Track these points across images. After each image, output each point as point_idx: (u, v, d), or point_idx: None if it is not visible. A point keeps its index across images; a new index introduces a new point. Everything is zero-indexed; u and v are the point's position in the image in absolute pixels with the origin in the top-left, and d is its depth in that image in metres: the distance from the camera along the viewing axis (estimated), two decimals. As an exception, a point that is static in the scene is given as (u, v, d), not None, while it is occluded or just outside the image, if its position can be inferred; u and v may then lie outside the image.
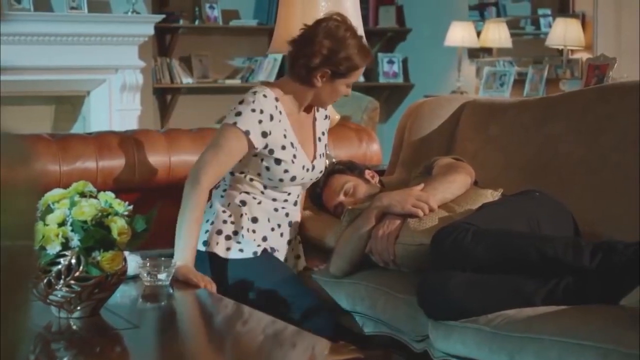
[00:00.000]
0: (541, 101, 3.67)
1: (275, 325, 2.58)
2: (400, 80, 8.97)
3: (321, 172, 3.34)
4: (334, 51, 3.13)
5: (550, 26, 7.59)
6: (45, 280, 2.42)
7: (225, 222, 3.18)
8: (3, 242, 0.91)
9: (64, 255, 2.42)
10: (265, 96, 3.15)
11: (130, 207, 2.53)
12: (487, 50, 8.28)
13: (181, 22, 7.94)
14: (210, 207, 3.23)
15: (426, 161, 3.34)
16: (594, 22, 7.24)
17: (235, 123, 3.10)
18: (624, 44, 6.99)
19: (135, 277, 2.84)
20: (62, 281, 2.42)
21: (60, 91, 7.29)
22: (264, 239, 3.22)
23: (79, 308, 2.47)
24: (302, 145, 3.25)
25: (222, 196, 3.24)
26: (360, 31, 3.32)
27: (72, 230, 2.42)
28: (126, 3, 7.22)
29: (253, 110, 3.12)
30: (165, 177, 3.65)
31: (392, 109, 9.00)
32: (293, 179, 3.21)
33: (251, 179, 3.21)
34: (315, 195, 3.44)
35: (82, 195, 2.51)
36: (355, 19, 3.77)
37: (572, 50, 7.46)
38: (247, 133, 3.09)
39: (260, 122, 3.11)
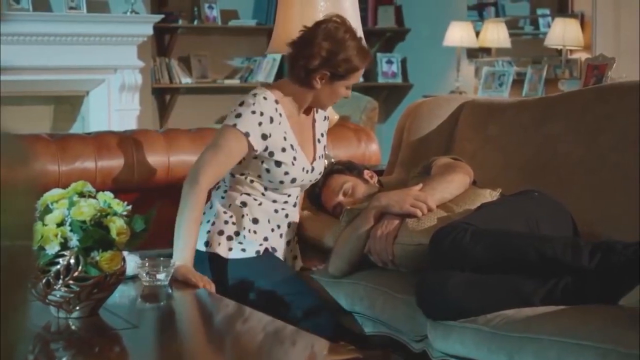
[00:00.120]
0: (540, 101, 3.67)
1: (275, 325, 2.58)
2: (399, 80, 8.97)
3: (320, 173, 3.35)
4: (333, 53, 3.13)
5: (549, 26, 7.59)
6: (44, 281, 2.42)
7: (226, 222, 3.19)
8: (3, 242, 0.91)
9: (63, 256, 2.42)
10: (265, 98, 3.15)
11: (129, 207, 2.53)
12: (486, 50, 8.28)
13: (180, 22, 7.94)
14: (211, 207, 3.24)
15: (425, 161, 3.34)
16: (593, 22, 7.24)
17: (235, 125, 3.10)
18: (622, 44, 6.99)
19: (134, 277, 2.84)
20: (61, 281, 2.42)
21: (59, 91, 7.29)
22: (265, 239, 3.22)
23: (77, 308, 2.47)
24: (302, 147, 3.25)
25: (222, 197, 3.24)
26: (360, 32, 3.32)
27: (71, 230, 2.42)
28: (125, 3, 7.22)
29: (253, 113, 3.12)
30: (164, 177, 3.65)
31: (391, 109, 9.00)
32: (293, 180, 3.21)
33: (252, 181, 3.21)
34: (314, 195, 3.44)
35: (81, 195, 2.51)
36: (354, 19, 3.77)
37: (571, 50, 7.46)
38: (246, 135, 3.09)
39: (260, 124, 3.12)
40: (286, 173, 3.18)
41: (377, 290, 2.98)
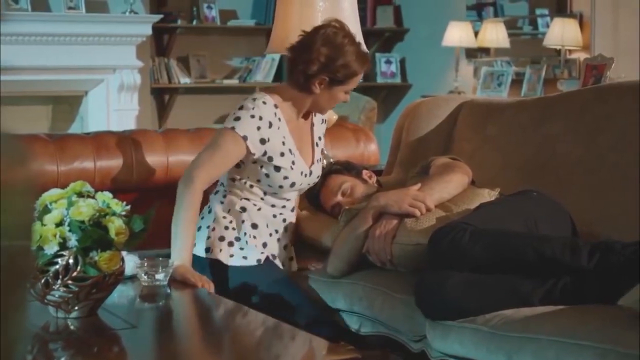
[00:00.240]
0: (539, 101, 3.67)
1: (273, 325, 2.58)
2: (397, 80, 8.97)
3: (318, 177, 3.36)
4: (332, 58, 3.13)
5: (547, 26, 7.59)
6: (42, 281, 2.42)
7: (227, 228, 3.19)
8: (2, 242, 0.91)
9: (62, 255, 2.42)
10: (264, 103, 3.16)
11: (128, 207, 2.53)
12: (485, 50, 8.28)
13: (179, 22, 7.94)
14: (209, 212, 3.24)
15: (423, 161, 3.34)
16: (592, 22, 7.24)
17: (233, 127, 3.10)
18: (621, 44, 7.00)
19: (133, 277, 2.84)
20: (59, 281, 2.42)
21: (58, 91, 7.28)
22: (264, 244, 3.23)
23: (76, 308, 2.47)
24: (300, 151, 3.25)
25: (221, 202, 3.24)
26: (359, 36, 3.33)
27: (69, 230, 2.42)
28: (124, 3, 7.22)
29: (252, 117, 3.12)
30: (163, 177, 3.65)
31: (390, 109, 9.00)
32: (292, 185, 3.22)
33: (251, 186, 3.22)
34: (313, 195, 3.44)
35: (80, 195, 2.51)
36: (353, 19, 3.77)
37: (570, 50, 7.46)
38: (244, 138, 3.10)
39: (258, 128, 3.12)
40: (285, 177, 3.19)
41: (376, 290, 2.98)
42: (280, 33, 3.78)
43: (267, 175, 3.18)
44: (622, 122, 3.18)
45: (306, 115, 3.33)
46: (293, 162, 3.20)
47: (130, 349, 2.45)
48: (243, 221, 3.20)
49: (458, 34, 8.08)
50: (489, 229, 2.69)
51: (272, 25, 3.92)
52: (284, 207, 3.28)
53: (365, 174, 3.47)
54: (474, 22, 8.23)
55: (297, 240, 3.45)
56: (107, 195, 2.53)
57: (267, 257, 3.22)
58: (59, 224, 2.42)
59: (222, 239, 3.18)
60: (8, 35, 6.53)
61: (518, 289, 2.58)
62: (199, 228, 3.18)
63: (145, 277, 2.81)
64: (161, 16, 7.45)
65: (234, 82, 8.30)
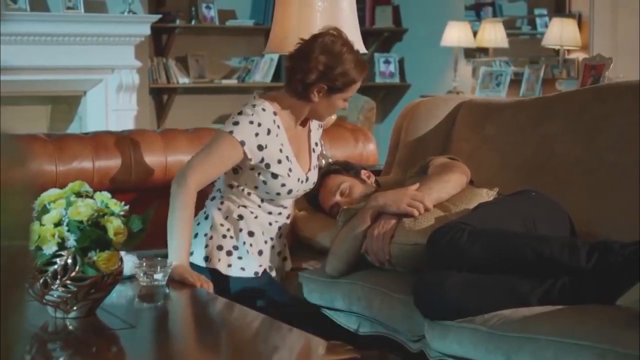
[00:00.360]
0: (537, 101, 3.68)
1: (272, 325, 2.58)
2: (396, 80, 8.97)
3: (314, 183, 3.36)
4: (330, 67, 3.13)
5: (546, 26, 7.59)
6: (41, 281, 2.42)
7: (224, 236, 3.20)
8: (2, 242, 0.91)
9: (60, 256, 2.42)
10: (264, 110, 3.16)
11: (127, 207, 2.53)
12: (484, 50, 8.28)
13: (177, 22, 7.94)
14: (206, 218, 3.24)
15: (422, 161, 3.34)
16: (590, 22, 7.24)
17: (231, 132, 3.10)
18: (620, 44, 7.00)
19: (132, 277, 2.84)
20: (58, 281, 2.42)
21: (57, 91, 7.28)
22: (260, 252, 3.24)
23: (75, 308, 2.47)
24: (298, 157, 3.26)
25: (219, 208, 3.24)
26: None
27: (68, 231, 2.42)
28: (122, 3, 7.22)
29: (251, 123, 3.12)
30: (162, 177, 3.64)
31: (389, 109, 9.00)
32: (290, 192, 3.23)
33: (249, 193, 3.22)
34: (312, 195, 3.44)
35: (79, 195, 2.51)
36: (352, 19, 3.77)
37: (569, 50, 7.47)
38: (242, 143, 3.10)
39: (256, 135, 3.12)
40: (283, 185, 3.19)
41: (375, 290, 2.98)
42: (279, 33, 3.78)
43: (264, 183, 3.18)
44: (621, 122, 3.19)
45: (304, 123, 3.33)
46: (290, 169, 3.21)
47: (128, 349, 2.45)
48: (241, 229, 3.21)
49: (457, 34, 8.08)
50: (487, 229, 2.69)
51: (270, 25, 3.92)
52: (279, 214, 3.29)
53: (364, 174, 3.47)
54: (472, 22, 8.23)
55: (294, 240, 3.45)
56: (105, 195, 2.53)
57: (265, 270, 3.23)
58: (58, 224, 2.42)
59: (220, 247, 3.19)
60: (7, 35, 6.53)
61: (517, 289, 2.58)
62: (196, 235, 3.18)
63: (144, 277, 2.81)
64: (160, 16, 7.45)
65: (232, 82, 8.30)
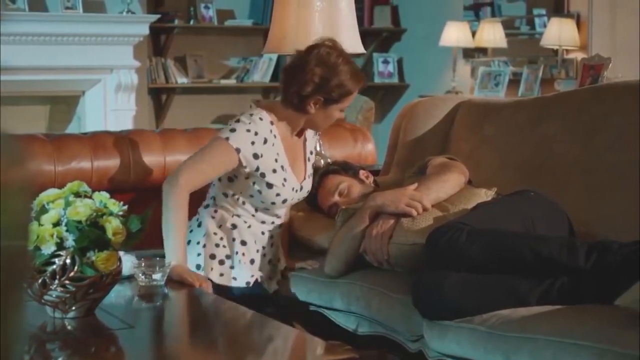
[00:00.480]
0: (536, 101, 3.68)
1: (271, 324, 2.58)
2: (395, 80, 8.97)
3: (308, 191, 3.36)
4: (326, 79, 3.13)
5: (545, 26, 7.60)
6: (40, 281, 2.42)
7: (217, 245, 3.20)
8: (2, 242, 0.91)
9: (59, 256, 2.42)
10: (261, 119, 3.16)
11: (125, 207, 2.53)
12: (482, 50, 8.28)
13: (176, 22, 7.94)
14: (199, 225, 3.23)
15: (420, 161, 3.34)
16: (589, 22, 7.25)
17: (227, 138, 3.10)
18: (618, 44, 7.00)
19: (130, 277, 2.83)
20: (56, 281, 2.41)
21: (55, 91, 7.28)
22: (252, 261, 3.24)
23: (73, 308, 2.47)
24: (293, 167, 3.26)
25: (212, 217, 3.24)
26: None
27: (66, 231, 2.41)
28: (121, 3, 7.22)
29: (248, 131, 3.12)
30: (161, 177, 3.63)
31: (387, 109, 9.00)
32: (284, 201, 3.24)
33: (243, 202, 3.22)
34: (310, 195, 3.44)
35: (77, 195, 2.51)
36: (350, 19, 3.77)
37: (567, 50, 7.47)
38: (237, 150, 3.09)
39: (252, 143, 3.12)
40: (277, 195, 3.19)
41: (373, 290, 2.98)
42: (277, 33, 3.78)
43: (259, 192, 3.18)
44: (620, 122, 3.19)
45: (300, 132, 3.33)
46: (285, 179, 3.21)
47: (127, 349, 2.44)
48: (234, 239, 3.22)
49: (455, 34, 8.08)
50: (486, 229, 2.69)
51: (269, 25, 3.92)
52: (272, 223, 3.30)
53: (362, 174, 3.47)
54: (471, 22, 8.23)
55: (292, 240, 3.46)
56: (104, 195, 2.53)
57: (256, 280, 3.24)
58: (56, 224, 2.42)
59: (213, 256, 3.19)
60: (5, 35, 6.52)
61: (515, 289, 2.58)
62: (189, 242, 3.18)
63: (143, 277, 2.81)
64: (158, 16, 7.45)
65: (231, 82, 8.30)
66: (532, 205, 2.95)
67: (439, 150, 3.69)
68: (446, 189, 3.05)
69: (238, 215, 3.24)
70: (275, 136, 3.18)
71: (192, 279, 2.89)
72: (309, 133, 3.39)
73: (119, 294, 2.75)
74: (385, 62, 8.96)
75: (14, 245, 0.93)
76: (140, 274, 2.81)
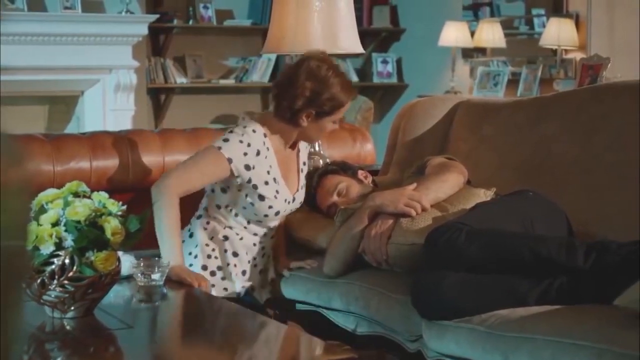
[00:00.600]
0: (535, 101, 3.68)
1: (269, 324, 2.58)
2: (394, 80, 8.97)
3: (301, 202, 3.37)
4: (316, 92, 3.13)
5: (544, 26, 7.60)
6: (38, 281, 2.41)
7: (209, 257, 3.20)
8: (2, 242, 0.91)
9: (58, 256, 2.41)
10: (254, 131, 3.16)
11: (124, 207, 2.53)
12: (481, 50, 8.29)
13: (175, 22, 7.93)
14: (191, 236, 3.23)
15: (419, 161, 3.34)
16: (588, 22, 7.25)
17: (220, 147, 3.10)
18: (617, 44, 7.00)
19: (129, 277, 2.83)
20: (55, 281, 2.41)
21: (54, 91, 7.28)
22: (244, 272, 3.25)
23: (72, 308, 2.47)
24: (286, 179, 3.26)
25: (205, 228, 3.24)
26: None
27: (65, 230, 2.41)
28: (120, 3, 7.22)
29: (240, 142, 3.12)
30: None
31: (386, 109, 9.00)
32: (277, 213, 3.24)
33: (236, 214, 3.22)
34: (309, 196, 3.44)
35: (76, 195, 2.51)
36: (349, 19, 3.77)
37: (566, 50, 7.47)
38: (229, 160, 3.09)
39: (245, 154, 3.11)
40: (270, 207, 3.20)
41: (372, 290, 2.98)
42: (276, 33, 3.78)
43: (252, 204, 3.18)
44: (618, 122, 3.19)
45: (294, 145, 3.33)
46: (277, 191, 3.21)
47: (126, 349, 2.44)
48: (225, 250, 3.22)
49: (454, 34, 8.08)
50: (485, 229, 2.69)
51: (268, 25, 3.92)
52: (265, 235, 3.30)
53: (361, 174, 3.47)
54: (470, 22, 8.23)
55: (291, 240, 3.46)
56: (103, 195, 2.52)
57: (247, 290, 3.24)
58: (55, 224, 2.42)
59: (204, 267, 3.19)
60: (4, 35, 6.53)
61: (514, 289, 2.58)
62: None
63: (142, 277, 2.81)
64: (157, 16, 7.45)
65: (230, 82, 8.30)
66: (531, 205, 2.95)
67: (437, 150, 3.69)
68: (445, 189, 3.05)
69: (230, 227, 3.24)
70: (268, 148, 3.18)
71: (191, 278, 2.89)
72: (302, 144, 3.39)
73: (117, 294, 2.75)
74: (384, 62, 8.96)
75: (12, 245, 0.93)
76: (139, 274, 2.81)
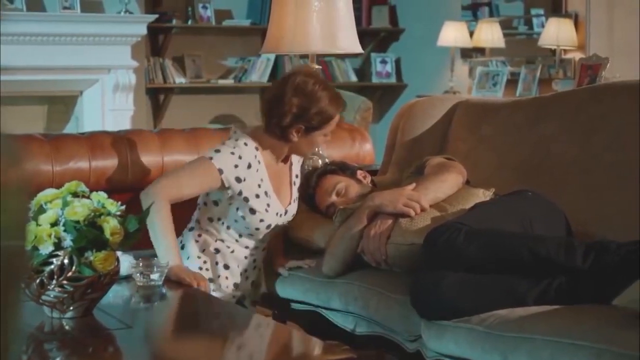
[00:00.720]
0: (534, 101, 3.68)
1: (268, 324, 2.58)
2: (393, 80, 8.97)
3: (293, 215, 3.37)
4: (304, 108, 3.13)
5: (543, 26, 7.60)
6: (37, 281, 2.41)
7: (200, 269, 3.20)
8: (1, 243, 0.91)
9: (57, 256, 2.41)
10: (246, 144, 3.16)
11: (123, 207, 2.53)
12: (480, 50, 8.28)
13: (174, 22, 7.93)
14: (182, 248, 3.22)
15: (418, 161, 3.34)
16: (587, 22, 7.25)
17: (211, 158, 3.11)
18: (616, 44, 7.00)
19: (128, 277, 2.83)
20: (54, 281, 2.41)
21: (53, 91, 7.28)
22: (235, 285, 3.26)
23: (71, 308, 2.47)
24: (278, 192, 3.26)
25: (196, 240, 3.24)
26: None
27: (64, 231, 2.41)
28: (119, 3, 7.21)
29: (232, 154, 3.12)
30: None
31: (385, 109, 9.00)
32: (269, 227, 3.24)
33: (228, 227, 3.22)
34: (308, 196, 3.44)
35: (75, 195, 2.51)
36: (348, 19, 3.77)
37: (565, 50, 7.47)
38: (220, 171, 3.09)
39: (236, 166, 3.11)
40: (261, 220, 3.20)
41: (371, 290, 2.98)
42: (275, 33, 3.78)
43: (243, 218, 3.18)
44: (617, 121, 3.19)
45: (286, 159, 3.33)
46: (268, 205, 3.21)
47: (125, 349, 2.44)
48: (217, 262, 3.23)
49: (453, 34, 8.08)
50: (484, 229, 2.70)
51: (267, 25, 3.91)
52: (256, 247, 3.30)
53: (360, 174, 3.47)
54: (469, 22, 8.23)
55: (289, 240, 3.45)
56: (102, 195, 2.52)
57: (238, 300, 3.26)
58: (54, 224, 2.42)
59: None
60: (3, 35, 6.52)
61: (513, 289, 2.58)
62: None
63: (141, 277, 2.81)
64: (156, 16, 7.44)
65: (229, 82, 8.29)
66: (530, 205, 2.95)
67: (436, 150, 3.69)
68: (444, 189, 3.05)
69: (222, 240, 3.24)
70: (259, 162, 3.18)
71: (190, 278, 2.89)
72: (295, 157, 3.39)
73: (116, 294, 2.75)
74: (383, 62, 8.96)
75: (11, 245, 0.93)
76: (138, 274, 2.81)
